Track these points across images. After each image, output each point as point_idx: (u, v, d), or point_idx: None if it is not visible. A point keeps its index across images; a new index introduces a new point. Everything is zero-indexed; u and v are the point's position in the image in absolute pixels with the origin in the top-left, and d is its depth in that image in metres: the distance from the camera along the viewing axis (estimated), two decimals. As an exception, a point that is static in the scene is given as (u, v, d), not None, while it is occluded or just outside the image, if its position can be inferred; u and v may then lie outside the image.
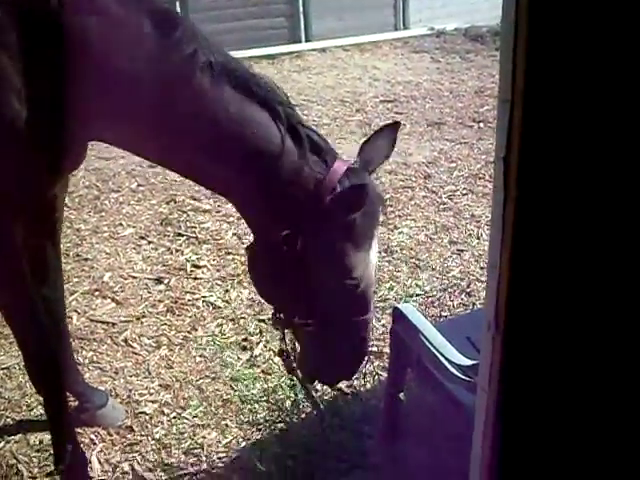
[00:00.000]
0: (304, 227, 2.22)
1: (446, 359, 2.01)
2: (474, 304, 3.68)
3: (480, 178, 5.36)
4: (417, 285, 3.93)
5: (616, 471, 1.24)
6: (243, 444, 2.86)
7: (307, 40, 10.06)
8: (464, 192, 5.17)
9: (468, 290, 3.84)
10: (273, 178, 2.20)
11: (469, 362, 1.97)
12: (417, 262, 4.17)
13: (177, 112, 2.13)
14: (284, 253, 2.23)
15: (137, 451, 2.85)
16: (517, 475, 1.33)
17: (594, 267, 1.18)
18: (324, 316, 2.33)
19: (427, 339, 2.13)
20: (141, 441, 2.90)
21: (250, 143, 2.17)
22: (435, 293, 3.84)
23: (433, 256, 4.25)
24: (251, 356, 3.37)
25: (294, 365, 2.55)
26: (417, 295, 3.83)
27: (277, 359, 3.29)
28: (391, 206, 4.76)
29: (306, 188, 2.21)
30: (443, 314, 3.64)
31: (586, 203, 1.15)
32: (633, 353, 1.17)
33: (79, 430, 2.86)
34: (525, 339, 1.27)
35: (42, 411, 2.77)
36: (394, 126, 2.46)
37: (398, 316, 2.39)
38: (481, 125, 6.58)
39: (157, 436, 2.92)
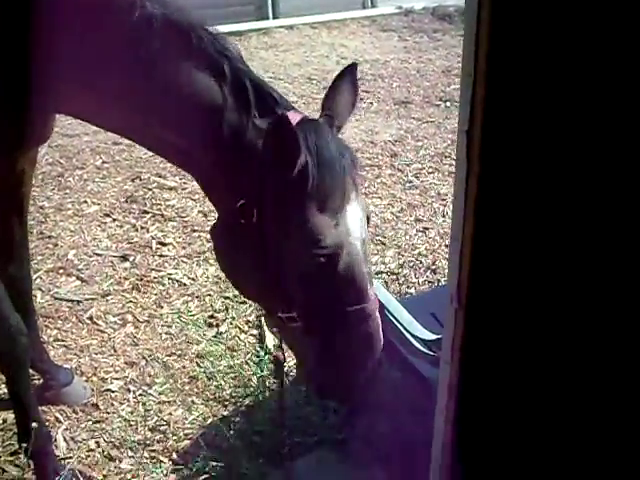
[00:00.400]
0: (257, 193, 1.97)
1: (411, 334, 2.03)
2: (439, 281, 3.72)
3: (446, 157, 5.39)
4: (383, 262, 3.95)
5: (570, 441, 1.27)
6: (209, 420, 2.86)
7: (274, 17, 9.96)
8: (430, 170, 5.19)
9: (433, 267, 3.87)
10: (218, 138, 2.00)
11: (433, 337, 1.99)
12: (383, 240, 4.19)
13: (121, 72, 2.02)
14: (243, 228, 1.98)
15: (103, 429, 2.84)
16: (476, 445, 1.36)
17: (555, 241, 1.20)
18: (308, 305, 2.01)
19: (392, 315, 2.15)
20: (107, 419, 2.89)
21: (189, 100, 2.01)
22: (401, 270, 3.87)
23: (399, 234, 4.28)
24: (217, 333, 3.37)
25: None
26: (383, 272, 3.85)
27: (243, 336, 3.31)
28: (357, 184, 4.76)
29: (254, 147, 1.97)
30: (409, 291, 3.67)
31: (547, 177, 1.16)
32: (589, 325, 1.19)
33: (44, 408, 2.85)
34: (487, 312, 1.29)
35: (5, 390, 2.74)
36: (351, 69, 2.20)
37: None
38: (448, 104, 6.59)
39: (123, 413, 2.91)
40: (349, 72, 2.19)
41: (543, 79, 1.13)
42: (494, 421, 1.36)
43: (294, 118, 1.98)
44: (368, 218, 2.12)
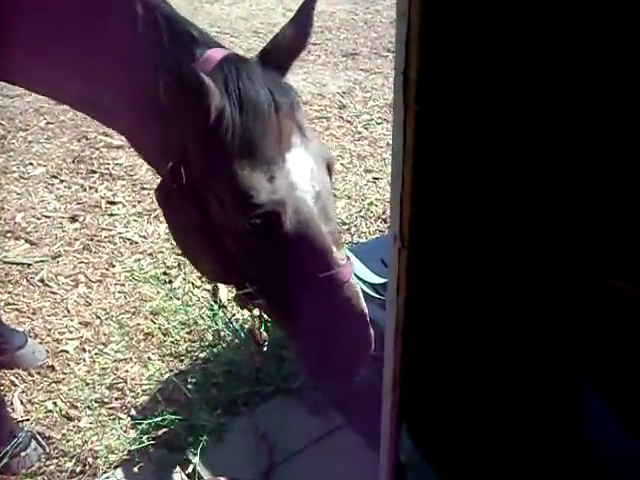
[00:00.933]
0: (181, 151, 1.74)
1: (359, 278, 2.06)
2: (390, 230, 3.74)
3: (395, 107, 5.39)
4: (334, 213, 3.96)
5: (511, 387, 1.32)
6: (166, 376, 2.88)
7: (218, -30, 9.77)
8: (379, 121, 5.20)
9: (384, 217, 3.91)
10: (132, 91, 1.79)
11: (381, 280, 2.02)
12: (333, 191, 4.18)
13: (38, 24, 1.84)
14: (178, 192, 1.75)
15: (60, 390, 2.83)
16: (421, 379, 1.40)
17: (493, 176, 1.22)
18: (263, 278, 1.79)
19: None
20: (63, 379, 2.88)
21: (102, 50, 1.79)
22: (351, 220, 3.90)
23: (349, 184, 4.30)
24: (170, 289, 3.37)
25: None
26: (334, 223, 3.87)
27: (196, 291, 3.32)
28: (307, 137, 4.77)
29: (171, 94, 1.73)
30: (360, 240, 3.71)
31: (483, 115, 1.18)
32: (526, 269, 1.23)
33: (-1, 373, 2.84)
34: (429, 251, 1.31)
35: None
36: (308, 5, 1.91)
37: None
38: (395, 55, 6.58)
39: (79, 373, 2.91)
40: (305, 11, 1.91)
41: (476, 19, 1.15)
42: (437, 357, 1.40)
43: (216, 56, 1.75)
44: (329, 166, 1.84)
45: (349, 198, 4.14)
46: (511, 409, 1.31)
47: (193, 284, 3.37)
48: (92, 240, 3.75)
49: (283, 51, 1.88)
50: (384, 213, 3.93)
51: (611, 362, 1.19)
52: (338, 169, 4.47)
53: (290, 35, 1.88)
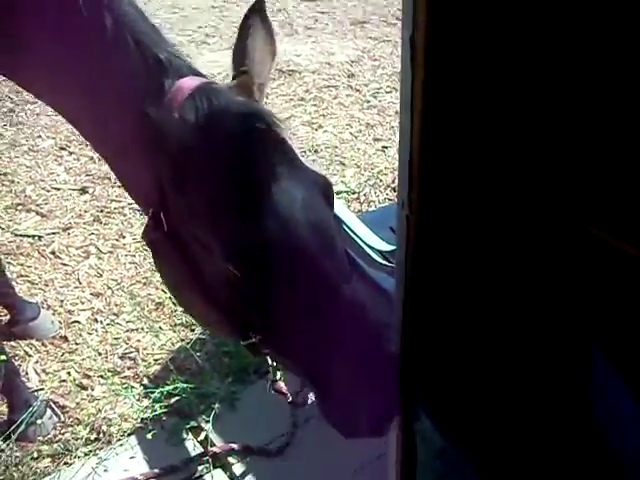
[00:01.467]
0: (160, 195, 1.56)
1: (368, 246, 2.06)
2: (399, 198, 3.73)
3: (403, 75, 5.35)
4: (343, 182, 3.97)
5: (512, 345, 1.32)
6: (178, 345, 2.90)
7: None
8: (388, 90, 5.17)
9: (393, 185, 3.90)
10: (104, 128, 1.65)
11: (390, 247, 2.02)
12: (342, 160, 4.19)
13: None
14: (162, 240, 1.60)
15: (73, 360, 2.87)
16: (433, 349, 1.41)
17: (501, 142, 1.22)
18: (270, 324, 1.55)
19: (350, 229, 2.17)
20: (76, 349, 2.92)
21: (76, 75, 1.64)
22: (361, 189, 3.90)
23: (358, 153, 4.29)
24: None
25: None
26: (343, 192, 3.87)
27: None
28: (315, 105, 4.75)
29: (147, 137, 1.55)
30: (369, 209, 3.71)
31: (494, 82, 1.17)
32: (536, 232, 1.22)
33: (13, 343, 2.87)
34: (437, 218, 1.31)
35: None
36: (258, 9, 1.76)
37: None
38: (404, 22, 6.51)
39: (92, 343, 2.94)
40: (257, 12, 1.75)
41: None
42: (447, 323, 1.41)
43: (188, 86, 1.57)
44: (327, 194, 1.60)
45: (358, 167, 4.13)
46: (521, 376, 1.32)
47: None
48: (102, 212, 3.76)
49: (255, 67, 1.71)
50: (393, 182, 3.92)
51: (623, 331, 1.20)
52: (347, 138, 4.46)
53: (255, 48, 1.73)
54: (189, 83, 1.57)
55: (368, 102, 4.97)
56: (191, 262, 1.57)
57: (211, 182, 1.49)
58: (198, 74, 1.66)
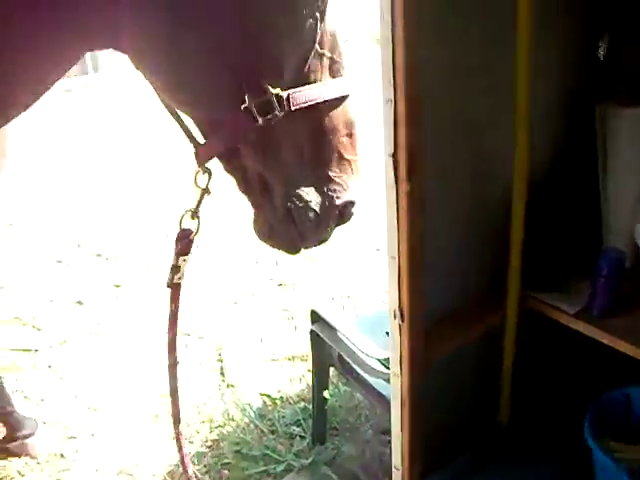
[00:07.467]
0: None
1: (364, 353, 2.06)
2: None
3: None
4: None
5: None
6: (177, 458, 2.85)
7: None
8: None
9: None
10: None
11: (386, 354, 2.02)
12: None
13: None
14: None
15: (69, 478, 2.81)
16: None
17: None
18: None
19: (345, 336, 2.17)
20: (73, 466, 2.86)
21: None
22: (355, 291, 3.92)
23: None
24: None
25: None
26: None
27: (203, 371, 3.32)
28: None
29: None
30: (364, 311, 3.70)
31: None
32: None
33: (6, 462, 2.82)
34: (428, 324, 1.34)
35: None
36: None
37: (316, 317, 2.42)
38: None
39: (89, 459, 2.88)
40: None
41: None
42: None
43: None
44: None
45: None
46: None
47: (200, 364, 3.38)
48: (98, 325, 3.77)
49: None
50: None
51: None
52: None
53: None
54: None
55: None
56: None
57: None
58: None
